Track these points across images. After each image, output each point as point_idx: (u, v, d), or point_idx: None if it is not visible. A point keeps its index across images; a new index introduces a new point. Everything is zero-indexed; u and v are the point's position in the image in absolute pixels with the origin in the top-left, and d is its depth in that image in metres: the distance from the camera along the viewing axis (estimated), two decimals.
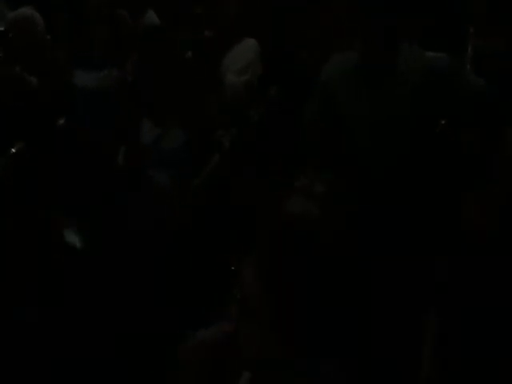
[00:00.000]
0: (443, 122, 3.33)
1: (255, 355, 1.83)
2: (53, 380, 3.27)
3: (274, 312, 1.80)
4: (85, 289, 3.48)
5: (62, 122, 4.13)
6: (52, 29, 4.52)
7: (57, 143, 3.98)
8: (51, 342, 3.32)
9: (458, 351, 3.04)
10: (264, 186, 3.55)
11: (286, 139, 3.69)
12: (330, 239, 1.82)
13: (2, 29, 4.52)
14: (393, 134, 3.21)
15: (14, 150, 3.82)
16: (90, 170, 3.90)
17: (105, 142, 4.06)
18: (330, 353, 1.86)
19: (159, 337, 3.31)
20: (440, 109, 3.26)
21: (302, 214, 1.84)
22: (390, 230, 3.22)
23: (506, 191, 3.16)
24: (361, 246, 3.00)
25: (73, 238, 3.67)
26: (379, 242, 3.20)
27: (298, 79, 4.03)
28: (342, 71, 3.32)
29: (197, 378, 1.95)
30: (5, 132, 3.92)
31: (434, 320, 3.20)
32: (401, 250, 3.20)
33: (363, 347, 3.11)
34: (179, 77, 3.99)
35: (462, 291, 3.10)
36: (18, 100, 4.06)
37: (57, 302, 3.43)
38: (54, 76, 4.22)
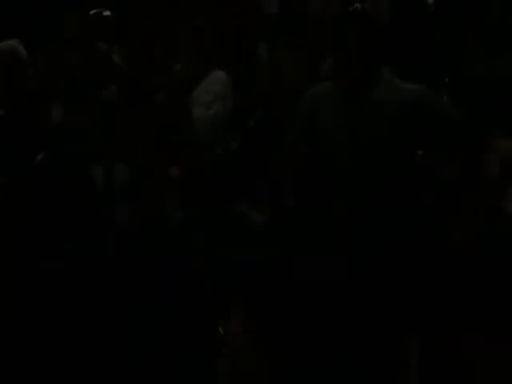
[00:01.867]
0: (420, 152, 3.40)
1: None
2: None
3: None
4: None
5: (40, 157, 4.12)
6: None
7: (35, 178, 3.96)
8: None
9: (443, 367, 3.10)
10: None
11: (262, 168, 3.73)
12: None
13: None
14: (370, 159, 3.29)
15: None
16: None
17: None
18: None
19: None
20: (417, 138, 3.34)
21: None
22: (371, 252, 3.28)
23: (483, 216, 3.23)
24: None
25: None
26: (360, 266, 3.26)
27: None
28: (323, 98, 3.41)
29: None
30: None
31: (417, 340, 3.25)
32: (382, 271, 3.25)
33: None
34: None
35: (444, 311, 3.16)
36: None
37: None
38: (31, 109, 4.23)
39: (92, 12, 5.30)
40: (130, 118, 4.24)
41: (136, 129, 4.13)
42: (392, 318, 3.20)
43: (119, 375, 3.23)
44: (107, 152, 4.15)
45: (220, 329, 3.29)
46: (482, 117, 3.64)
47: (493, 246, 3.10)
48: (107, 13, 5.33)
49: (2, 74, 4.32)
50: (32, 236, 3.62)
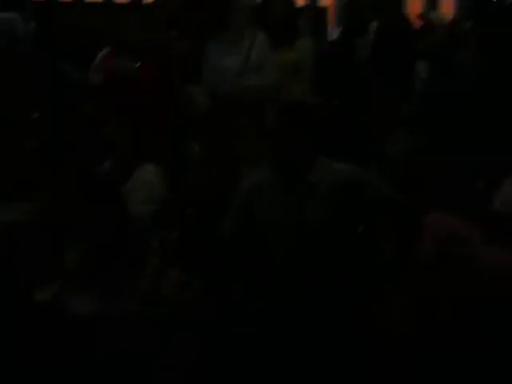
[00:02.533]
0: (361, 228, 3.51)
1: None
2: None
3: None
4: None
5: None
6: None
7: None
8: None
9: None
10: None
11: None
12: None
13: None
14: (306, 239, 3.41)
15: None
16: None
17: None
18: None
19: None
20: (354, 216, 3.47)
21: None
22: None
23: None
24: None
25: None
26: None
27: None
28: (259, 184, 3.53)
29: None
30: None
31: None
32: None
33: None
34: None
35: None
36: None
37: None
38: None
39: None
40: None
41: None
42: None
43: None
44: None
45: None
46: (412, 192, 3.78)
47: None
48: None
49: None
50: None
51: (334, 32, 7.35)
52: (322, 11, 8.45)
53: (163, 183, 4.55)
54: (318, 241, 3.39)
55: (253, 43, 5.27)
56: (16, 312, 3.62)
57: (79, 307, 3.66)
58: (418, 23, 6.97)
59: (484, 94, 4.73)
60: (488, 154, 4.55)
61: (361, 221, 3.51)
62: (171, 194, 4.50)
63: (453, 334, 3.16)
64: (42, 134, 4.92)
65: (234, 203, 3.59)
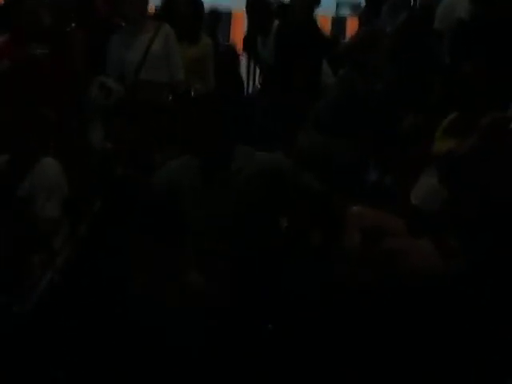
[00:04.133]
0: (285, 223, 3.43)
1: None
2: None
3: None
4: None
5: None
6: None
7: None
8: None
9: None
10: None
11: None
12: None
13: None
14: (234, 232, 3.30)
15: None
16: None
17: None
18: None
19: None
20: (277, 206, 3.39)
21: None
22: None
23: None
24: None
25: None
26: None
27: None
28: (180, 173, 3.42)
29: None
30: None
31: None
32: None
33: None
34: None
35: None
36: None
37: None
38: None
39: None
40: None
41: None
42: None
43: None
44: None
45: None
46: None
47: None
48: None
49: None
50: None
51: None
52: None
53: (64, 176, 4.33)
54: (238, 231, 3.28)
55: (155, 36, 5.13)
56: None
57: None
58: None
59: (396, 95, 4.79)
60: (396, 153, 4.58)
61: (283, 209, 3.42)
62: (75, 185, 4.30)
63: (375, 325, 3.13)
64: None
65: (150, 191, 3.45)
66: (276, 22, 5.97)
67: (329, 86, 5.30)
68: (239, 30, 8.60)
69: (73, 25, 5.34)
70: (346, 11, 12.86)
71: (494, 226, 3.24)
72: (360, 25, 7.19)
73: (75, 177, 4.36)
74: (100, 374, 3.24)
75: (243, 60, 7.09)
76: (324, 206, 3.39)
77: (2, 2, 5.64)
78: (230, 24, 9.17)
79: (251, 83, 7.25)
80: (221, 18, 7.10)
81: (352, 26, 9.15)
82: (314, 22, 5.95)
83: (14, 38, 4.96)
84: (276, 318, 3.25)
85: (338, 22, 11.53)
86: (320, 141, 4.68)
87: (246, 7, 6.30)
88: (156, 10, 6.59)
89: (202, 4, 5.79)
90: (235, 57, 6.59)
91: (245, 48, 6.88)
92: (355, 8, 11.23)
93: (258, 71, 6.89)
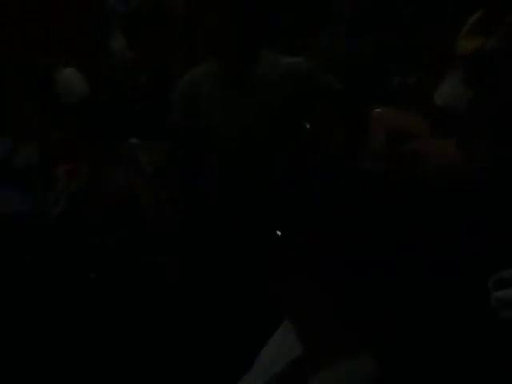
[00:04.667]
0: (308, 125, 3.41)
1: None
2: None
3: None
4: None
5: None
6: None
7: None
8: None
9: None
10: None
11: None
12: None
13: None
14: (259, 137, 3.32)
15: None
16: None
17: None
18: None
19: None
20: (302, 108, 3.37)
21: None
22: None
23: None
24: None
25: None
26: None
27: None
28: (203, 80, 3.39)
29: None
30: None
31: None
32: None
33: None
34: None
35: None
36: None
37: None
38: None
39: None
40: None
41: None
42: None
43: None
44: None
45: None
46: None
47: None
48: None
49: None
50: None
51: None
52: None
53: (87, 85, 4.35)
54: (266, 137, 3.28)
55: None
56: None
57: None
58: None
59: None
60: None
61: (309, 110, 3.41)
62: None
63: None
64: None
65: (175, 100, 3.43)
66: None
67: None
68: None
69: None
70: None
71: None
72: None
73: (98, 86, 4.39)
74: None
75: None
76: (347, 106, 3.37)
77: None
78: None
79: None
80: None
81: None
82: None
83: None
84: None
85: None
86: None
87: None
88: None
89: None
90: None
91: None
92: None
93: None
